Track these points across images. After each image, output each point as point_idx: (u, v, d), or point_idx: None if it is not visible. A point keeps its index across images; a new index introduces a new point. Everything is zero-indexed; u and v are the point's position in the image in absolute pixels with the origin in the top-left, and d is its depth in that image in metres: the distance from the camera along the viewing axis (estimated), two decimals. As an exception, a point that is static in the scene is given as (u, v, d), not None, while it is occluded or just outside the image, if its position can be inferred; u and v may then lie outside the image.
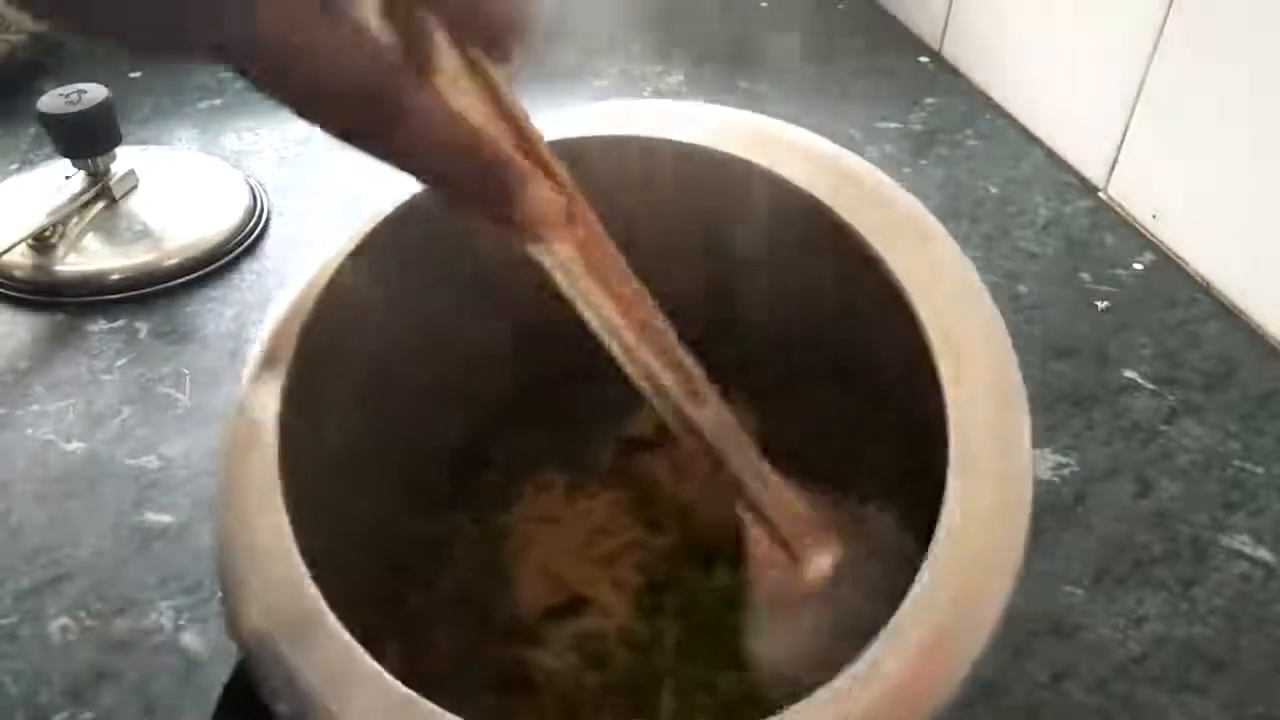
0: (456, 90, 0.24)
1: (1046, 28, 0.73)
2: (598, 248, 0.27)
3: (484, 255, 0.32)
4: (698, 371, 0.30)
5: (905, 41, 0.89)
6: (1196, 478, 0.48)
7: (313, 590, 0.26)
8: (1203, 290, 0.60)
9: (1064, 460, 0.49)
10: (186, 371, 0.53)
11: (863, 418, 0.36)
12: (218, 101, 0.77)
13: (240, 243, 0.62)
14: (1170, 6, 0.60)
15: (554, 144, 0.29)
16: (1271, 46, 0.54)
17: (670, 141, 0.34)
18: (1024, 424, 0.27)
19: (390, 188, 0.35)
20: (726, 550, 0.37)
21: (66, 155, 0.61)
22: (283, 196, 0.67)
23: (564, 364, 0.40)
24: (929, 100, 0.80)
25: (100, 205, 0.62)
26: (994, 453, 0.26)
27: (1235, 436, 0.50)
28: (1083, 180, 0.70)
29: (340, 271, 0.32)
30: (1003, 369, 0.28)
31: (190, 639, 0.40)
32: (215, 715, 0.29)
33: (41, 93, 0.59)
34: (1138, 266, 0.62)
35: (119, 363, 0.54)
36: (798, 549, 0.32)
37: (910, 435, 0.29)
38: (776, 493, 0.31)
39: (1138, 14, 0.63)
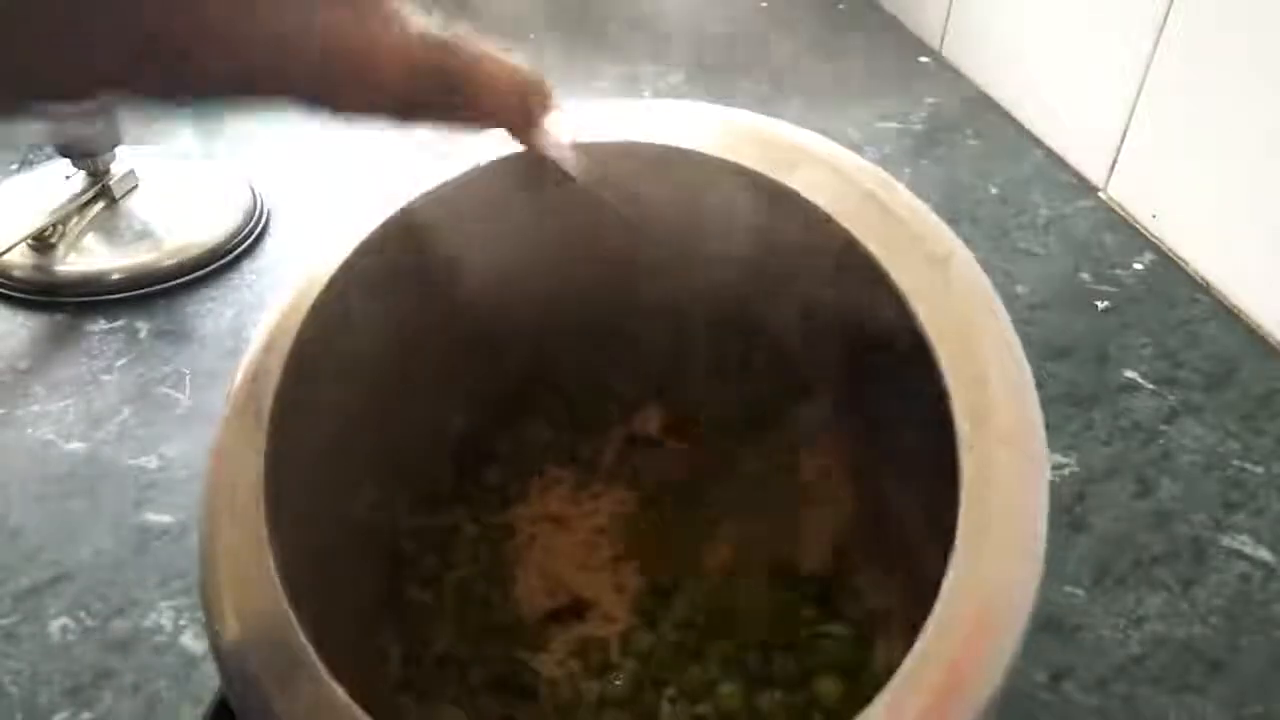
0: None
1: (1046, 28, 0.73)
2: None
3: (489, 249, 0.32)
4: None
5: (905, 41, 0.89)
6: (1196, 478, 0.48)
7: (296, 628, 0.25)
8: (1203, 290, 0.60)
9: (1064, 460, 0.49)
10: (186, 371, 0.53)
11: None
12: (218, 101, 0.77)
13: (240, 243, 0.62)
14: (1170, 7, 0.61)
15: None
16: (1271, 46, 0.54)
17: (657, 145, 0.34)
18: (1042, 480, 0.26)
19: (387, 188, 0.35)
20: (729, 554, 0.37)
21: (66, 155, 0.61)
22: (283, 196, 0.67)
23: (570, 358, 0.40)
24: (929, 100, 0.80)
25: (100, 205, 0.62)
26: (1010, 513, 0.25)
27: (1235, 436, 0.50)
28: (1083, 180, 0.70)
29: (341, 269, 0.32)
30: (1023, 416, 0.27)
31: (190, 639, 0.40)
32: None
33: (41, 93, 0.59)
34: (1138, 266, 0.62)
35: (119, 363, 0.54)
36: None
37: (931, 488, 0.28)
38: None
39: (1138, 14, 0.63)
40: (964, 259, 0.30)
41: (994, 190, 0.69)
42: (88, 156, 0.61)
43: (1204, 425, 0.51)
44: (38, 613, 0.41)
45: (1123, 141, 0.66)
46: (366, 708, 0.24)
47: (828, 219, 0.31)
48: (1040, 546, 0.25)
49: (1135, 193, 0.66)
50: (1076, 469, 0.49)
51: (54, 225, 0.59)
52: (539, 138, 0.29)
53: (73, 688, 0.39)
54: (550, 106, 0.29)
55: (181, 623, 0.41)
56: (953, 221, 0.68)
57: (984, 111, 0.78)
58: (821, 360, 0.36)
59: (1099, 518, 0.46)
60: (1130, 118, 0.65)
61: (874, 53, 0.88)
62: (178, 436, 0.49)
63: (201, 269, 0.60)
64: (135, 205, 0.63)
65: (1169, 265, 0.62)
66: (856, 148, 0.77)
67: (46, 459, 0.48)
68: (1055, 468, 0.49)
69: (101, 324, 0.56)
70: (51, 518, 0.45)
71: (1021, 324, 0.57)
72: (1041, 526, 0.25)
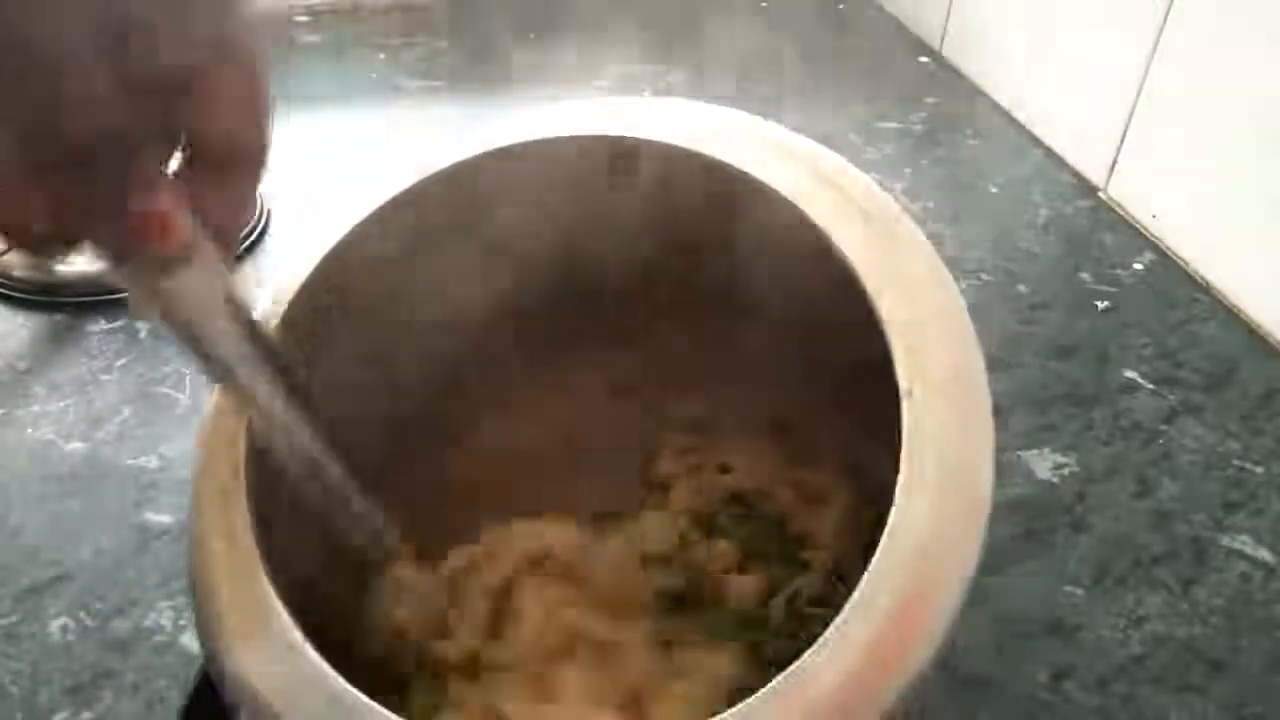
0: None
1: (1046, 28, 0.73)
2: None
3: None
4: None
5: (905, 41, 0.89)
6: (1196, 478, 0.48)
7: (279, 608, 0.26)
8: (1203, 290, 0.60)
9: (1064, 460, 0.49)
10: (186, 371, 0.53)
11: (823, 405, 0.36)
12: (218, 101, 0.77)
13: (240, 243, 0.62)
14: (1170, 7, 0.61)
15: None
16: (1271, 47, 0.54)
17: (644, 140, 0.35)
18: (985, 426, 0.26)
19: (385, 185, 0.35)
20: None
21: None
22: (283, 196, 0.67)
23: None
24: (929, 100, 0.80)
25: (100, 205, 0.62)
26: (950, 458, 0.26)
27: (1235, 436, 0.50)
28: (1083, 180, 0.70)
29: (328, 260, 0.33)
30: (964, 366, 0.27)
31: (190, 639, 0.40)
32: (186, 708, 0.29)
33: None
34: (1138, 266, 0.62)
35: (119, 363, 0.54)
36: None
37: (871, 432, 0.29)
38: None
39: (1137, 14, 0.63)
40: (907, 226, 0.31)
41: (994, 190, 0.69)
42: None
43: (1204, 425, 0.51)
44: (38, 613, 0.41)
45: (1123, 141, 0.66)
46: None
47: (772, 193, 0.32)
48: (985, 489, 0.25)
49: (1135, 193, 0.66)
50: (1076, 469, 0.49)
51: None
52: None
53: (73, 687, 0.39)
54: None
55: (181, 622, 0.41)
56: (953, 221, 0.68)
57: (984, 111, 0.78)
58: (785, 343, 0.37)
59: (1099, 518, 0.46)
60: (1130, 118, 0.65)
61: (874, 53, 0.88)
62: (178, 436, 0.49)
63: (201, 269, 0.60)
64: (135, 205, 0.63)
65: (1169, 265, 0.62)
66: (856, 148, 0.77)
67: (46, 459, 0.48)
68: (1055, 468, 0.49)
69: (101, 324, 0.56)
70: (51, 518, 0.45)
71: (1022, 324, 0.57)
72: (986, 471, 0.25)
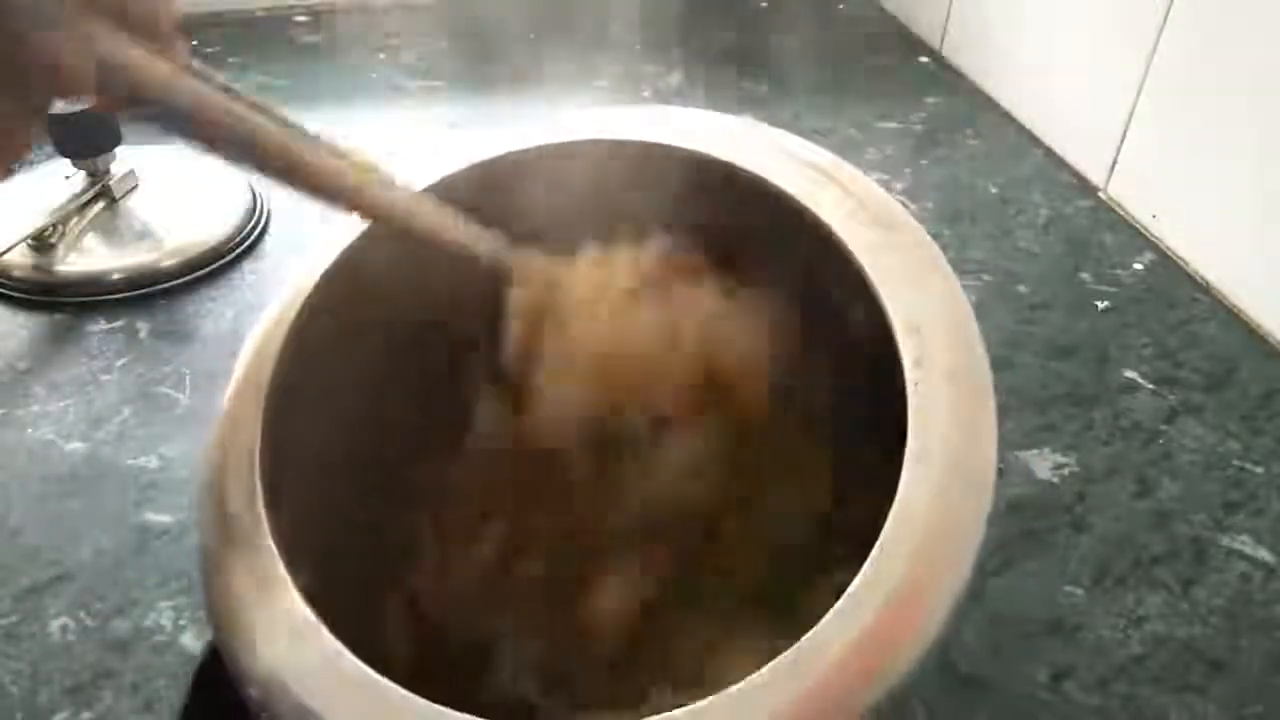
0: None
1: (1046, 28, 0.73)
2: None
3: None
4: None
5: (905, 41, 0.89)
6: (1196, 478, 0.48)
7: (283, 574, 0.26)
8: (1203, 290, 0.60)
9: (1064, 460, 0.49)
10: (186, 371, 0.53)
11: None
12: (218, 101, 0.77)
13: (240, 243, 0.62)
14: (1171, 7, 0.61)
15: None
16: (1271, 46, 0.54)
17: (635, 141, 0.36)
18: (989, 411, 0.27)
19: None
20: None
21: (66, 155, 0.61)
22: (283, 197, 0.67)
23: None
24: (929, 100, 0.80)
25: (100, 205, 0.62)
26: (955, 439, 0.26)
27: (1235, 436, 0.50)
28: (1083, 180, 0.70)
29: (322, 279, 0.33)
30: (969, 355, 0.28)
31: (190, 639, 0.40)
32: (190, 695, 0.29)
33: (41, 93, 0.59)
34: (1138, 266, 0.62)
35: (119, 363, 0.54)
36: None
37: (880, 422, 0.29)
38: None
39: (1138, 14, 0.63)
40: (911, 226, 0.32)
41: (994, 190, 0.69)
42: (88, 156, 0.61)
43: (1204, 425, 0.51)
44: (38, 613, 0.41)
45: (1123, 141, 0.66)
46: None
47: (780, 194, 0.33)
48: (990, 469, 0.26)
49: (1135, 193, 0.66)
50: (1076, 469, 0.49)
51: (54, 225, 0.59)
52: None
53: (73, 687, 0.39)
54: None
55: (181, 622, 0.41)
56: (953, 221, 0.68)
57: (984, 111, 0.78)
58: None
59: (1099, 518, 0.46)
60: (1130, 118, 0.65)
61: (874, 53, 0.88)
62: (178, 436, 0.49)
63: (201, 269, 0.60)
64: (135, 205, 0.63)
65: (1169, 265, 0.62)
66: (857, 147, 0.77)
67: (46, 459, 0.48)
68: (1055, 468, 0.49)
69: (101, 324, 0.56)
70: (51, 518, 0.45)
71: (1022, 324, 0.57)
72: (990, 451, 0.26)
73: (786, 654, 0.23)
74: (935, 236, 0.63)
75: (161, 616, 0.41)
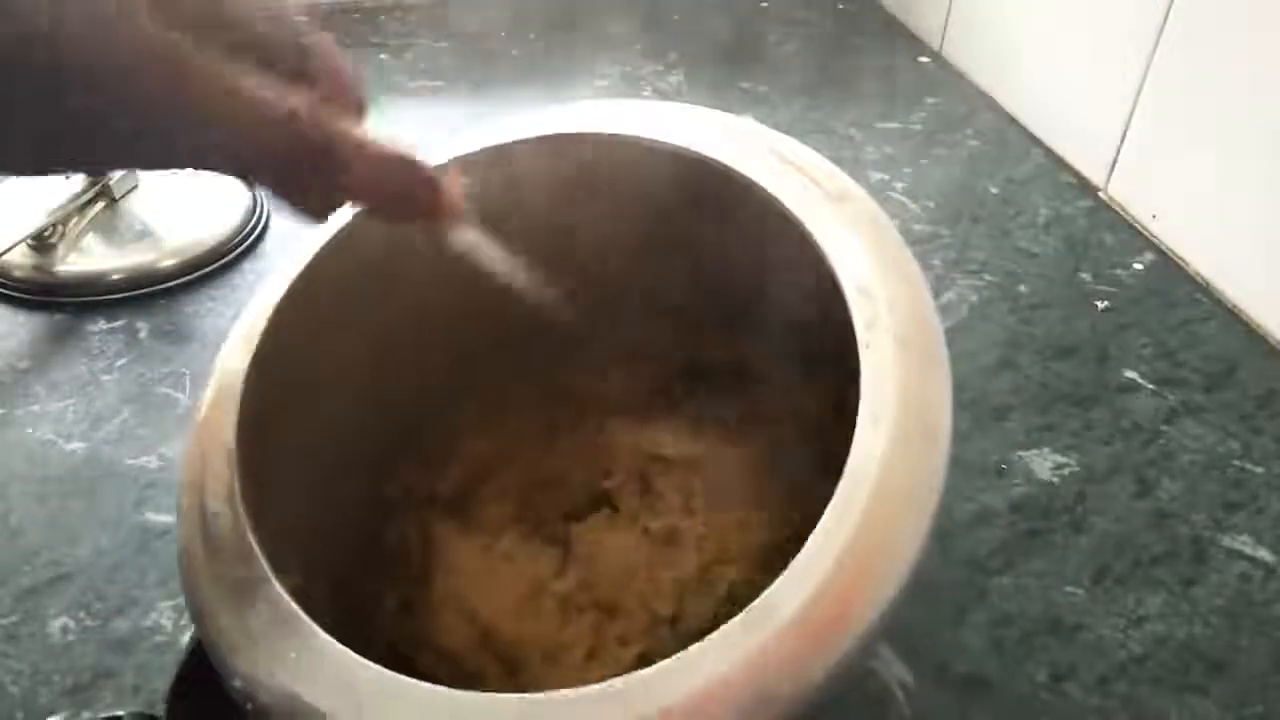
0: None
1: (1046, 28, 0.73)
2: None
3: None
4: None
5: (905, 41, 0.89)
6: (1196, 478, 0.48)
7: (260, 558, 0.26)
8: (1203, 290, 0.60)
9: (1064, 460, 0.49)
10: (186, 371, 0.53)
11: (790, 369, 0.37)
12: (218, 101, 0.77)
13: (240, 243, 0.63)
14: (1170, 7, 0.61)
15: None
16: (1271, 46, 0.54)
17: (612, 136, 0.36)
18: (942, 371, 0.27)
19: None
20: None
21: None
22: (283, 196, 0.67)
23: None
24: (929, 100, 0.80)
25: (100, 205, 0.62)
26: (908, 398, 0.26)
27: (1235, 436, 0.50)
28: (1083, 180, 0.70)
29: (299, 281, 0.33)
30: (920, 317, 0.28)
31: (190, 639, 0.40)
32: (173, 687, 0.29)
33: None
34: (1138, 266, 0.62)
35: (119, 363, 0.54)
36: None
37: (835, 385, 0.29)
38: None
39: (1137, 14, 0.63)
40: (861, 197, 0.32)
41: (994, 190, 0.69)
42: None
43: (1204, 425, 0.51)
44: (38, 613, 0.41)
45: (1123, 141, 0.66)
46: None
47: (728, 170, 0.33)
48: (944, 434, 0.25)
49: (1135, 193, 0.66)
50: (1076, 469, 0.49)
51: (54, 225, 0.59)
52: (429, 224, 0.29)
53: (73, 687, 0.39)
54: (435, 188, 0.27)
55: (182, 622, 0.41)
56: (953, 221, 0.68)
57: (984, 111, 0.78)
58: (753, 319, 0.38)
59: (1099, 518, 0.46)
60: (1130, 118, 0.65)
61: (874, 53, 0.88)
62: (178, 436, 0.49)
63: (201, 269, 0.60)
64: (135, 205, 0.63)
65: (1169, 265, 0.62)
66: (857, 148, 0.77)
67: (46, 459, 0.48)
68: (1055, 468, 0.49)
69: (101, 324, 0.56)
70: (51, 518, 0.45)
71: (1022, 324, 0.57)
72: (944, 417, 0.26)
73: (738, 617, 0.23)
74: (935, 236, 0.63)
75: (161, 616, 0.41)
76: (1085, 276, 0.61)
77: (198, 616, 0.27)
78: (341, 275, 0.35)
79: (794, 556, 0.24)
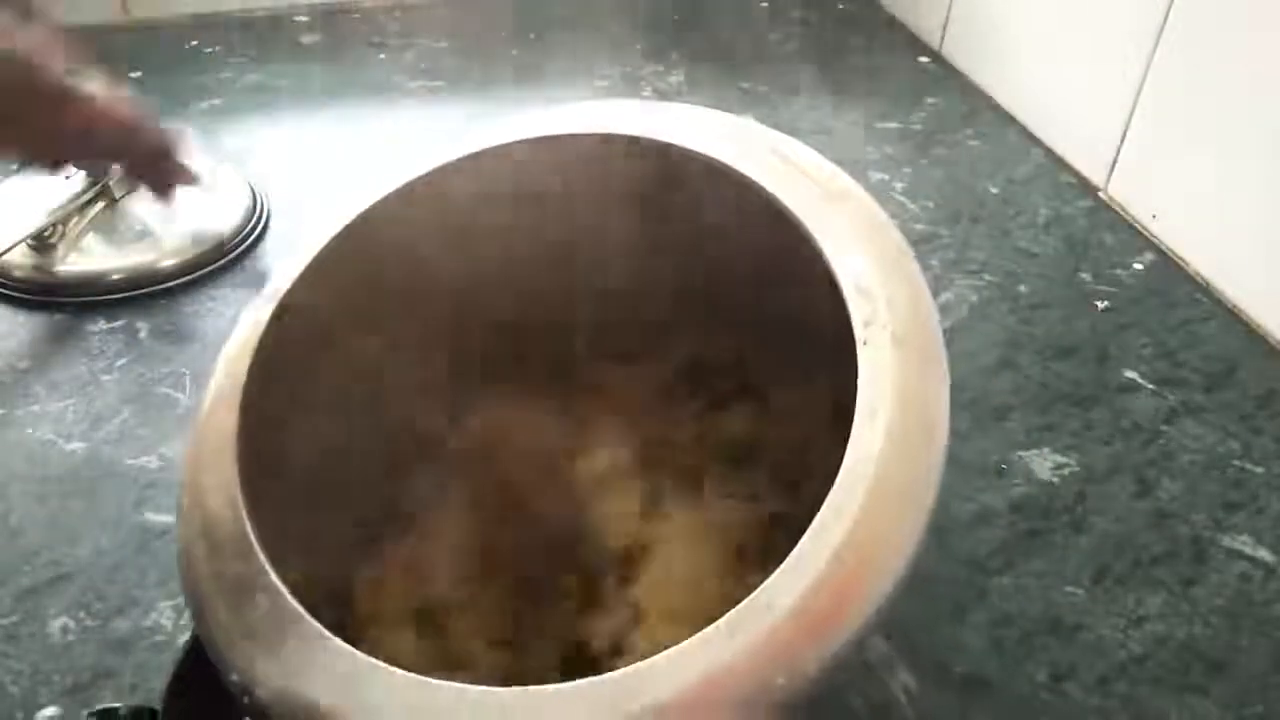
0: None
1: (1046, 28, 0.73)
2: None
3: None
4: None
5: (905, 41, 0.89)
6: (1196, 478, 0.48)
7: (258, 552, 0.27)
8: (1203, 290, 0.60)
9: (1064, 460, 0.49)
10: (186, 371, 0.53)
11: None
12: (218, 101, 0.77)
13: (240, 243, 0.62)
14: (1170, 7, 0.61)
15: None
16: (1271, 46, 0.54)
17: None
18: (939, 367, 0.27)
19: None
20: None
21: (66, 155, 0.61)
22: (283, 196, 0.67)
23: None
24: (929, 100, 0.80)
25: (100, 205, 0.62)
26: (905, 394, 0.26)
27: (1235, 436, 0.50)
28: (1083, 180, 0.70)
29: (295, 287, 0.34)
30: (919, 314, 0.28)
31: (189, 635, 0.40)
32: (171, 682, 0.29)
33: (41, 93, 0.59)
34: (1138, 266, 0.62)
35: (119, 363, 0.54)
36: None
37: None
38: None
39: (1137, 14, 0.63)
40: (860, 195, 0.32)
41: (994, 190, 0.69)
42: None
43: (1204, 425, 0.51)
44: (38, 613, 0.41)
45: (1123, 141, 0.66)
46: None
47: (728, 171, 0.33)
48: (941, 431, 0.25)
49: (1135, 193, 0.66)
50: (1076, 469, 0.49)
51: (54, 225, 0.59)
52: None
53: (72, 687, 0.39)
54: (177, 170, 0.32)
55: (182, 622, 0.41)
56: (953, 221, 0.68)
57: (984, 111, 0.78)
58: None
59: (1099, 518, 0.46)
60: (1130, 118, 0.65)
61: (874, 53, 0.88)
62: (178, 436, 0.49)
63: (201, 269, 0.60)
64: (135, 205, 0.63)
65: (1169, 265, 0.62)
66: (857, 147, 0.77)
67: (46, 459, 0.48)
68: (1055, 468, 0.49)
69: (101, 324, 0.56)
70: (51, 518, 0.45)
71: (1022, 324, 0.57)
72: (941, 414, 0.26)
73: (733, 610, 0.23)
74: (935, 236, 0.63)
75: (161, 616, 0.41)
76: (1085, 276, 0.61)
77: (196, 612, 0.27)
78: (344, 276, 0.35)
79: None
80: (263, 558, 0.27)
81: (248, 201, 0.65)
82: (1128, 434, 0.51)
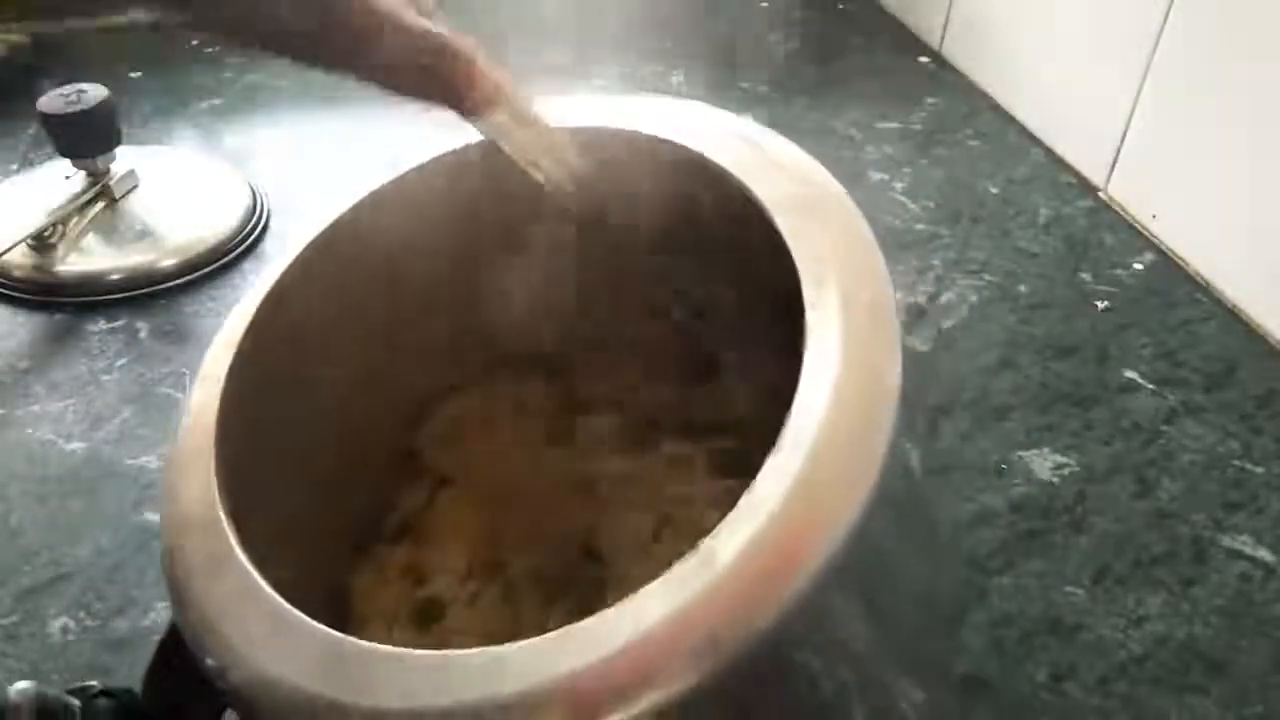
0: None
1: (1046, 28, 0.73)
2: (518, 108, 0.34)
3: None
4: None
5: (905, 41, 0.89)
6: (1196, 478, 0.48)
7: (228, 534, 0.27)
8: (1203, 290, 0.60)
9: (1064, 460, 0.49)
10: (186, 371, 0.53)
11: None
12: (218, 101, 0.77)
13: (240, 243, 0.63)
14: (1170, 7, 0.61)
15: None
16: (1271, 46, 0.54)
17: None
18: (890, 327, 0.26)
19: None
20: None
21: (66, 155, 0.61)
22: (283, 196, 0.67)
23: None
24: (929, 100, 0.80)
25: (100, 205, 0.62)
26: (854, 349, 0.26)
27: (1235, 436, 0.50)
28: (1083, 180, 0.70)
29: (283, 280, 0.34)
30: (870, 276, 0.28)
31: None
32: (151, 666, 0.29)
33: (41, 93, 0.59)
34: (1138, 266, 0.62)
35: (119, 363, 0.54)
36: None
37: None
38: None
39: (1138, 14, 0.63)
40: (814, 168, 0.32)
41: (994, 190, 0.69)
42: (88, 156, 0.61)
43: (1204, 425, 0.51)
44: (38, 613, 0.41)
45: (1123, 141, 0.66)
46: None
47: (701, 159, 0.33)
48: (890, 388, 0.25)
49: (1135, 193, 0.66)
50: (1076, 469, 0.49)
51: (54, 225, 0.59)
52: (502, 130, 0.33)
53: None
54: (515, 102, 0.33)
55: (181, 623, 0.41)
56: (953, 221, 0.68)
57: (984, 111, 0.78)
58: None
59: (1099, 518, 0.46)
60: (1130, 118, 0.65)
61: (874, 53, 0.88)
62: (178, 436, 0.49)
63: (201, 269, 0.60)
64: (135, 205, 0.63)
65: (1169, 265, 0.62)
66: (857, 147, 0.77)
67: (46, 459, 0.48)
68: (1055, 468, 0.49)
69: (101, 324, 0.56)
70: (51, 518, 0.45)
71: (1022, 324, 0.57)
72: (890, 370, 0.25)
73: (673, 567, 0.22)
74: (935, 236, 0.63)
75: (161, 616, 0.41)
76: (1085, 276, 0.61)
77: (172, 595, 0.27)
78: (326, 278, 0.35)
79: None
80: (234, 540, 0.27)
81: (248, 201, 0.65)
82: (1128, 434, 0.51)
